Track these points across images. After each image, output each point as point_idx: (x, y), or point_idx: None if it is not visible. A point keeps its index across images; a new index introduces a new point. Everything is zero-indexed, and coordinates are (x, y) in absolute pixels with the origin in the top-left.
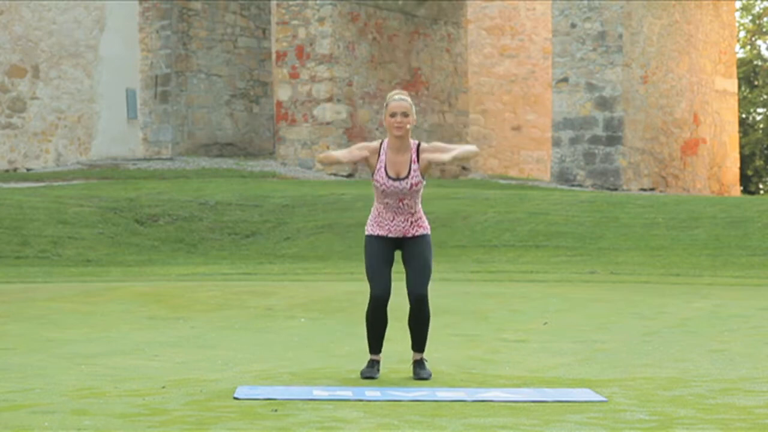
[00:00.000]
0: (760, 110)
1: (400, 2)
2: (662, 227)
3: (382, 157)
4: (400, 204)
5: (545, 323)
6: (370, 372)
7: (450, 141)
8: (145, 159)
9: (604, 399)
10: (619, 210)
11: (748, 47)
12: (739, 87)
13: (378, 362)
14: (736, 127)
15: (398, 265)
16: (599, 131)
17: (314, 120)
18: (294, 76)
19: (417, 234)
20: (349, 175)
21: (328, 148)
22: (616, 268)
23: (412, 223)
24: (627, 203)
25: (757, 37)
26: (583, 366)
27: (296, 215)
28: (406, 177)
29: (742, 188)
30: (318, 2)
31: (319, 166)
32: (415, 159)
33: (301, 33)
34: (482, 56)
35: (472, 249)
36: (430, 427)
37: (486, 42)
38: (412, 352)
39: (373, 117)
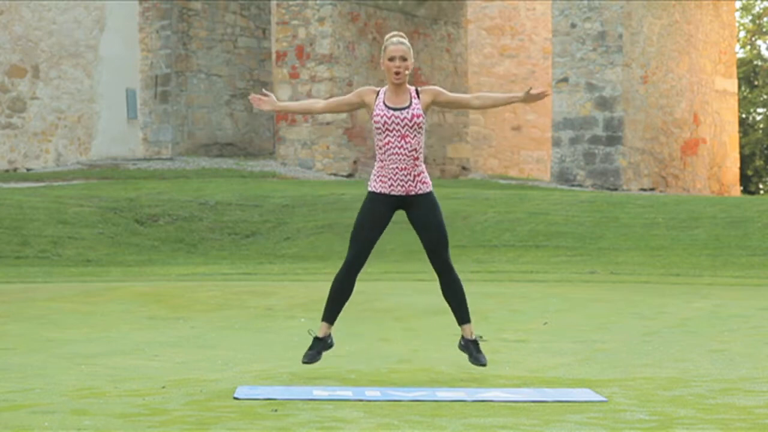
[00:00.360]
0: (760, 110)
1: (400, 2)
2: (662, 227)
3: (381, 96)
4: (403, 143)
5: (545, 323)
6: (311, 358)
7: (450, 141)
8: (145, 159)
9: (604, 399)
10: (619, 210)
11: (748, 47)
12: (739, 87)
13: (326, 340)
14: (736, 127)
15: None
16: (599, 131)
17: (314, 120)
18: (294, 76)
19: (420, 192)
20: (349, 175)
21: (327, 148)
22: (616, 268)
23: (415, 177)
24: (627, 203)
25: (757, 37)
26: (583, 366)
27: (296, 215)
28: (407, 107)
29: (742, 188)
30: (318, 2)
31: (318, 165)
32: (415, 95)
33: (301, 33)
34: (482, 56)
35: (472, 249)
36: (430, 427)
37: (486, 42)
38: (461, 327)
39: None
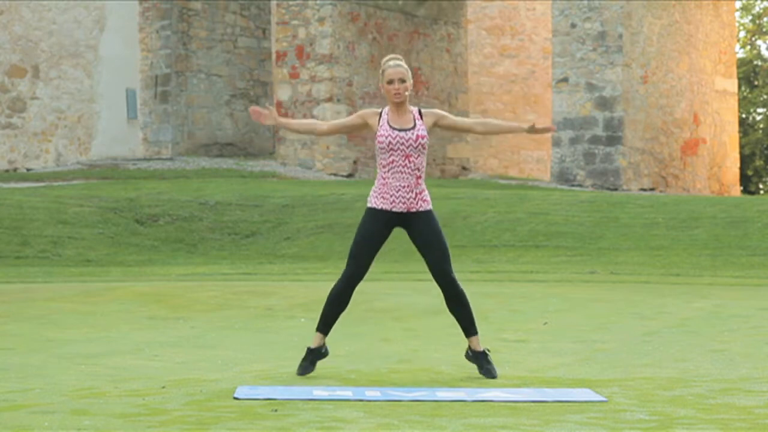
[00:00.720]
0: (760, 110)
1: (400, 2)
2: (662, 227)
3: (384, 117)
4: (407, 162)
5: (545, 323)
6: (305, 370)
7: (450, 141)
8: (145, 159)
9: (604, 399)
10: (619, 210)
11: (748, 47)
12: (739, 87)
13: (319, 351)
14: (736, 127)
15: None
16: (599, 131)
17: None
18: (294, 76)
19: (421, 209)
20: (349, 175)
21: (327, 148)
22: (616, 268)
23: (417, 194)
24: (627, 203)
25: (757, 37)
26: (583, 366)
27: (296, 215)
28: (412, 128)
29: (742, 188)
30: (318, 2)
31: (318, 165)
32: (419, 117)
33: (301, 33)
34: (482, 56)
35: (472, 249)
36: (430, 427)
37: (486, 42)
38: (468, 339)
39: None
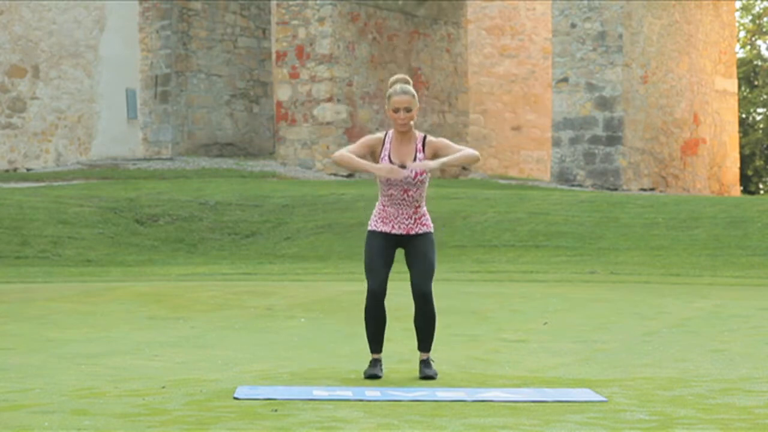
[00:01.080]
0: (760, 110)
1: (400, 2)
2: (662, 227)
3: (387, 146)
4: (405, 196)
5: (545, 323)
6: (374, 371)
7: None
8: (145, 159)
9: (604, 399)
10: (619, 210)
11: (748, 47)
12: (739, 87)
13: (380, 361)
14: (736, 127)
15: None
16: (599, 131)
17: (314, 120)
18: (294, 76)
19: (420, 232)
20: (349, 175)
21: (327, 148)
22: (616, 268)
23: (416, 220)
24: (627, 203)
25: (757, 37)
26: (583, 366)
27: (296, 215)
28: None
29: (742, 188)
30: (318, 2)
31: (318, 165)
32: (421, 148)
33: (301, 33)
34: (482, 56)
35: (472, 249)
36: (430, 427)
37: (486, 42)
38: (418, 352)
39: (373, 117)
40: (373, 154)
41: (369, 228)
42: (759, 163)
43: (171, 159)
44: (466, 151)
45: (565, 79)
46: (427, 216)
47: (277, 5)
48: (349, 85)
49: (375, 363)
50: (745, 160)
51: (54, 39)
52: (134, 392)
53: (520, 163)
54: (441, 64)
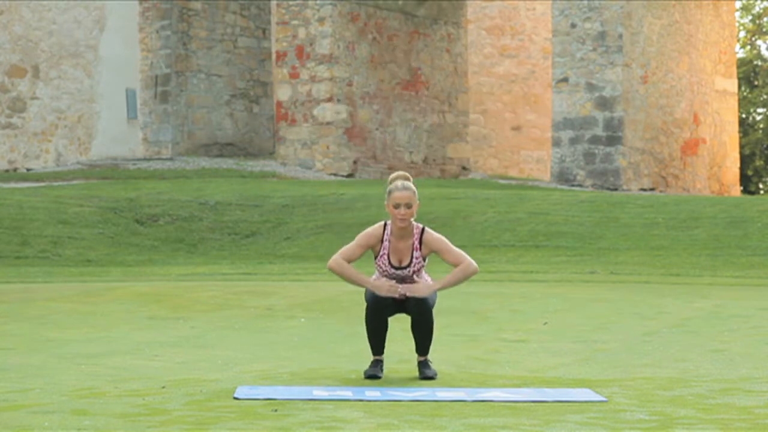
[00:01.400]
0: (760, 110)
1: (400, 2)
2: (662, 227)
3: (386, 243)
4: (403, 282)
5: (545, 323)
6: (374, 371)
7: (450, 141)
8: (145, 159)
9: (604, 399)
10: (619, 210)
11: (748, 47)
12: (739, 87)
13: (381, 362)
14: (736, 127)
15: None
16: (599, 131)
17: (314, 120)
18: (294, 76)
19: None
20: (349, 175)
21: (327, 148)
22: (616, 268)
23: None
24: (627, 203)
25: (757, 37)
26: (583, 366)
27: (296, 215)
28: (408, 265)
29: (742, 188)
30: (318, 2)
31: (318, 165)
32: (418, 246)
33: (301, 33)
34: (482, 56)
35: (472, 249)
36: (430, 427)
37: (486, 42)
38: (416, 354)
39: (373, 117)
40: (371, 249)
41: (367, 294)
42: (759, 163)
43: (171, 159)
44: (464, 265)
45: (565, 79)
46: (427, 279)
47: (277, 5)
48: (349, 85)
49: (376, 363)
50: (745, 160)
51: (54, 39)
52: (134, 392)
53: (520, 163)
54: (441, 64)
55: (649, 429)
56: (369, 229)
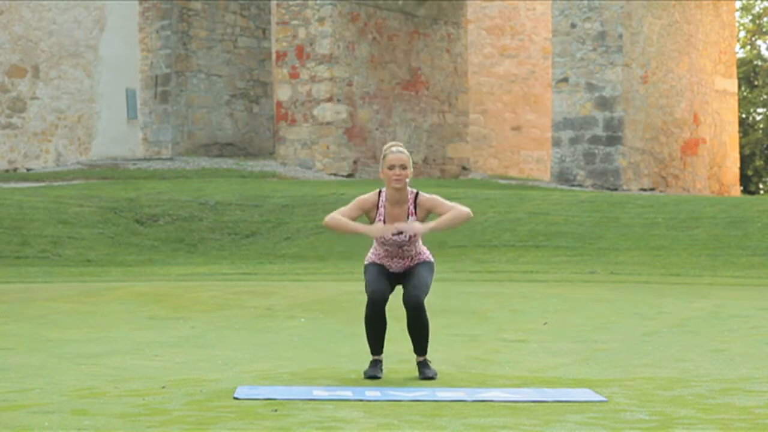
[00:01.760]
0: (760, 110)
1: (400, 2)
2: (662, 227)
3: (381, 210)
4: (400, 251)
5: (545, 323)
6: (374, 371)
7: (450, 141)
8: (145, 159)
9: (604, 399)
10: (619, 210)
11: (748, 47)
12: (739, 87)
13: (381, 362)
14: (736, 127)
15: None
16: (599, 131)
17: (314, 120)
18: (294, 76)
19: (420, 261)
20: (349, 175)
21: (327, 148)
22: (616, 268)
23: (412, 258)
24: (627, 203)
25: (757, 37)
26: (583, 366)
27: (296, 215)
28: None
29: (742, 188)
30: (318, 2)
31: (318, 165)
32: (413, 211)
33: (301, 33)
34: (482, 56)
35: (472, 249)
36: (430, 427)
37: (486, 42)
38: (414, 355)
39: (373, 117)
40: (367, 215)
41: (366, 262)
42: (759, 163)
43: (171, 159)
44: (456, 210)
45: (565, 79)
46: (424, 252)
47: (277, 5)
48: (349, 85)
49: (375, 363)
50: (745, 160)
51: (54, 39)
52: (134, 392)
53: (520, 163)
54: (441, 64)
55: (649, 429)
56: (364, 195)
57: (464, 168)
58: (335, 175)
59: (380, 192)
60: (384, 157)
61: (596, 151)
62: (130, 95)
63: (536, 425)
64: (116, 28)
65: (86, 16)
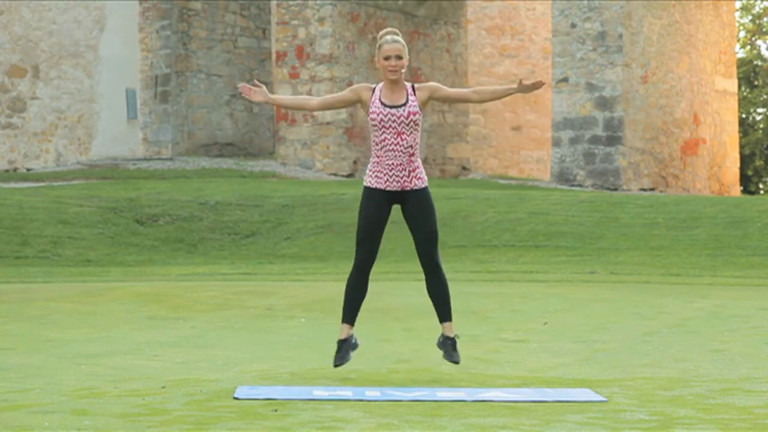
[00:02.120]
0: (760, 110)
1: (400, 2)
2: (662, 227)
3: (377, 93)
4: (399, 140)
5: (545, 323)
6: (342, 358)
7: (450, 141)
8: (145, 159)
9: (604, 399)
10: (619, 210)
11: (748, 47)
12: (739, 87)
13: (348, 341)
14: (736, 127)
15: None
16: (599, 131)
17: (314, 120)
18: (294, 76)
19: (416, 187)
20: (349, 175)
21: (327, 148)
22: (616, 268)
23: (410, 172)
24: (627, 203)
25: (757, 37)
26: (583, 366)
27: (296, 215)
28: (404, 105)
29: (742, 188)
30: (318, 2)
31: (318, 165)
32: (411, 92)
33: (301, 33)
34: (482, 56)
35: (472, 249)
36: (430, 427)
37: (486, 42)
38: (441, 325)
39: None
40: (361, 101)
41: (365, 183)
42: (759, 163)
43: (171, 159)
44: (470, 89)
45: (565, 79)
46: (422, 169)
47: (277, 5)
48: (349, 85)
49: (344, 344)
50: (745, 160)
51: (54, 39)
52: (134, 392)
53: (520, 163)
54: (441, 64)
55: (649, 429)
56: (358, 85)
57: (464, 168)
58: (335, 175)
59: (376, 85)
60: (379, 46)
61: (596, 151)
62: (130, 95)
63: (536, 425)
64: (116, 28)
65: (86, 16)
